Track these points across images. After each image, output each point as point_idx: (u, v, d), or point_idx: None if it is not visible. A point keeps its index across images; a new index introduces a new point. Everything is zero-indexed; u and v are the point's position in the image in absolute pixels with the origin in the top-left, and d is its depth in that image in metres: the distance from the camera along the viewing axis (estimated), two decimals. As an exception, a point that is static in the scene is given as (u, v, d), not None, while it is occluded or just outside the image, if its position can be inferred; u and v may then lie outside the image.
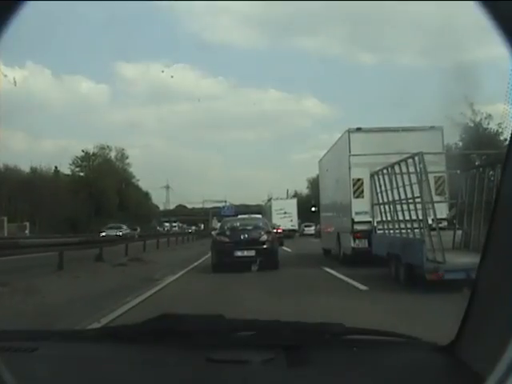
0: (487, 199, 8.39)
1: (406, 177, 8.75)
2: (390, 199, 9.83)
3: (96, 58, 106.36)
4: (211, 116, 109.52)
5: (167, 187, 76.76)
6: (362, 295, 8.21)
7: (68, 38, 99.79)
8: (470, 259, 6.50)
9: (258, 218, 16.30)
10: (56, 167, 54.31)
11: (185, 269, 13.38)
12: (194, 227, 71.51)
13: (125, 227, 35.75)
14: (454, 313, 1.56)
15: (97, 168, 58.31)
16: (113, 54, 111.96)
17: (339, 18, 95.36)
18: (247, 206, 59.06)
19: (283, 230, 31.04)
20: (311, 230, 44.63)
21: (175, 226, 70.55)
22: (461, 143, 31.15)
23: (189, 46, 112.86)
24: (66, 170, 56.91)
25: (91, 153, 59.91)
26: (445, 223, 10.74)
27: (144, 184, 71.03)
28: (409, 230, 8.92)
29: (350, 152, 12.68)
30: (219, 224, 17.09)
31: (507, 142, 1.23)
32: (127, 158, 64.33)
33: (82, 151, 59.14)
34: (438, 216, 8.73)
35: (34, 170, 50.94)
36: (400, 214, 9.24)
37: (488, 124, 32.09)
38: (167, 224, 71.87)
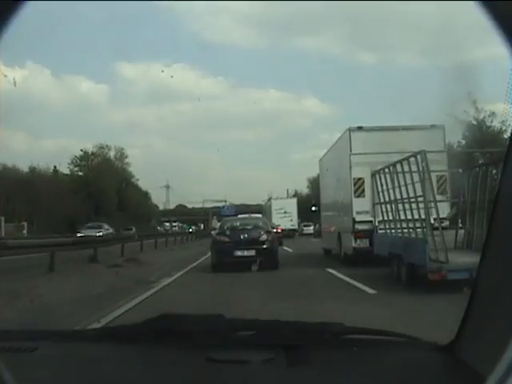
0: (490, 198, 8.31)
1: (407, 176, 8.70)
2: (392, 198, 9.76)
3: (96, 58, 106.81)
4: (211, 116, 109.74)
5: (167, 187, 76.98)
6: (370, 297, 7.92)
7: (68, 38, 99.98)
8: (472, 259, 6.38)
9: (258, 218, 16.29)
10: (55, 167, 54.23)
11: (183, 269, 13.29)
12: (193, 227, 71.46)
13: (106, 227, 32.45)
14: (454, 313, 1.56)
15: (96, 167, 58.04)
16: (113, 53, 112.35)
17: (339, 18, 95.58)
18: (247, 206, 59.00)
19: (283, 230, 31.04)
20: (310, 229, 45.04)
21: (175, 226, 70.46)
22: (464, 141, 30.86)
23: (189, 46, 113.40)
24: (65, 169, 56.96)
25: (90, 152, 59.81)
26: (446, 223, 10.68)
27: (144, 184, 71.16)
28: (411, 230, 8.88)
29: (350, 151, 12.62)
30: (219, 224, 17.07)
31: (507, 142, 1.22)
32: (126, 157, 64.19)
33: (81, 151, 59.02)
34: (440, 215, 8.68)
35: (32, 170, 50.59)
36: (402, 213, 9.19)
37: (491, 122, 31.51)
38: (167, 224, 71.79)
